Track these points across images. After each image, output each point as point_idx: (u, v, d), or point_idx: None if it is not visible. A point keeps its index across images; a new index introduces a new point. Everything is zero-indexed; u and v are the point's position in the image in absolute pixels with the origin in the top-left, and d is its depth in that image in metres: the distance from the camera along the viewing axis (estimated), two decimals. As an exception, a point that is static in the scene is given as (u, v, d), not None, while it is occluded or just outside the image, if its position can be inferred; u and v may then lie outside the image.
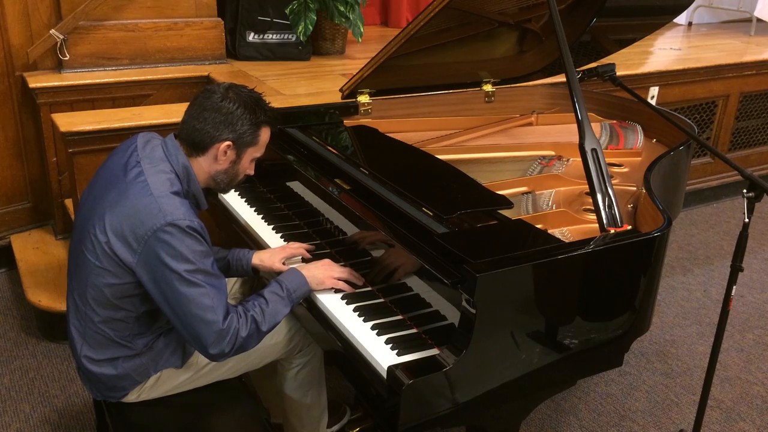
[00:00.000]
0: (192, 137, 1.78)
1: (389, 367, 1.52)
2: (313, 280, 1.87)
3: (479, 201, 1.88)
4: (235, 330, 1.72)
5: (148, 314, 1.79)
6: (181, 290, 1.65)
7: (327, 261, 1.94)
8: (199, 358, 1.90)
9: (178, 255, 1.64)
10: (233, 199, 2.45)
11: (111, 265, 1.70)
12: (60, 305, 2.83)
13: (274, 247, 2.09)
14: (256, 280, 2.20)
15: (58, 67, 3.29)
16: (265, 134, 1.85)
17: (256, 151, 1.85)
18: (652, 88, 3.96)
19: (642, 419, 2.64)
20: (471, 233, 1.74)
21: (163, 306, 1.70)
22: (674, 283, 3.62)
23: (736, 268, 2.03)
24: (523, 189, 2.20)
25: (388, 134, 2.40)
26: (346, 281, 1.89)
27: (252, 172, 1.90)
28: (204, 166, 1.81)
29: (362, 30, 3.89)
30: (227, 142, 1.77)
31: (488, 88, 2.83)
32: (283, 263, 2.00)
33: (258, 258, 2.04)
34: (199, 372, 1.92)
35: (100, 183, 1.79)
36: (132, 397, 1.86)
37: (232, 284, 2.23)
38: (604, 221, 1.73)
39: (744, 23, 5.65)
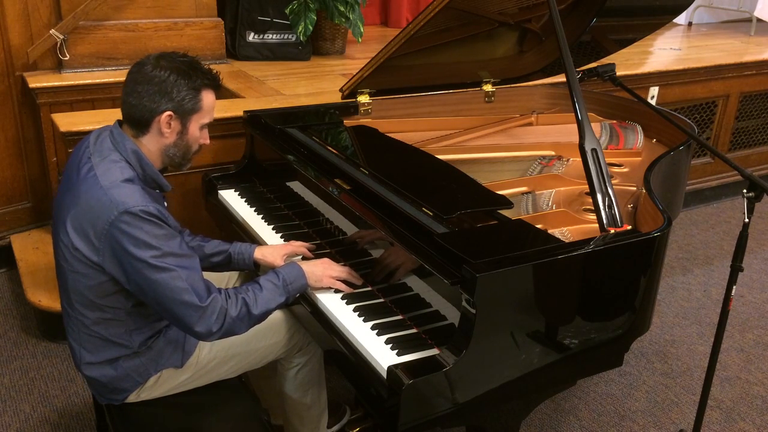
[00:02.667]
0: (132, 115, 1.72)
1: (389, 367, 1.52)
2: (311, 275, 1.87)
3: (479, 201, 1.88)
4: (222, 309, 1.71)
5: (138, 308, 1.77)
6: (152, 277, 1.63)
7: (327, 260, 1.94)
8: (199, 358, 1.90)
9: (140, 243, 1.61)
10: (233, 199, 2.45)
11: (82, 267, 1.69)
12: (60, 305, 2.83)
13: (274, 246, 2.09)
14: (257, 276, 2.19)
15: (58, 67, 3.29)
16: (207, 98, 1.77)
17: (202, 117, 1.77)
18: (652, 88, 3.96)
19: (642, 419, 2.64)
20: (471, 233, 1.74)
21: (140, 296, 1.69)
22: (674, 283, 3.62)
23: (736, 268, 2.02)
24: (523, 189, 2.20)
25: (388, 134, 2.40)
26: (345, 281, 1.89)
27: (207, 141, 1.84)
28: (152, 145, 1.75)
29: (362, 30, 3.90)
30: (167, 113, 1.70)
31: (488, 88, 2.83)
32: (285, 261, 2.00)
33: (260, 252, 2.04)
34: (199, 372, 1.91)
35: (61, 188, 1.77)
36: (132, 397, 1.86)
37: (234, 279, 2.23)
38: (604, 221, 1.73)
39: (744, 23, 5.65)
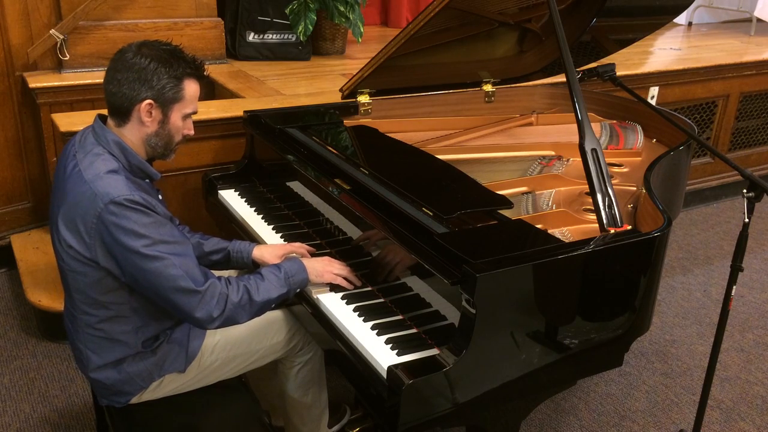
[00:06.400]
0: (112, 104, 1.70)
1: (389, 367, 1.52)
2: (312, 271, 1.87)
3: (479, 201, 1.88)
4: (223, 294, 1.70)
5: (143, 304, 1.76)
6: (145, 267, 1.62)
7: (328, 258, 1.95)
8: (201, 360, 1.89)
9: (129, 232, 1.60)
10: (233, 199, 2.45)
11: (78, 266, 1.68)
12: (60, 305, 2.83)
13: (274, 246, 2.09)
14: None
15: (58, 67, 3.29)
16: (190, 87, 1.73)
17: (184, 107, 1.73)
18: (652, 88, 3.96)
19: (642, 419, 2.64)
20: (471, 233, 1.74)
21: (137, 288, 1.69)
22: (674, 283, 3.62)
23: (736, 268, 2.03)
24: (523, 189, 2.20)
25: (388, 134, 2.40)
26: (346, 279, 1.89)
27: (191, 132, 1.80)
28: (134, 135, 1.72)
29: (362, 30, 3.90)
30: (147, 101, 1.67)
31: (488, 88, 2.83)
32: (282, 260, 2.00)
33: (259, 251, 2.04)
34: (201, 373, 1.91)
35: (52, 189, 1.77)
36: (134, 399, 1.86)
37: (235, 276, 2.23)
38: (604, 221, 1.73)
39: (744, 23, 5.65)
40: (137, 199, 1.62)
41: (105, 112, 1.77)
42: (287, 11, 3.69)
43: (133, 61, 1.67)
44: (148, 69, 1.66)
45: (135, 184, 1.68)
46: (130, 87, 1.66)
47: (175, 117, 1.74)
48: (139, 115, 1.69)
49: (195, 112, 1.79)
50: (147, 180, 1.78)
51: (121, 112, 1.70)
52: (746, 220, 1.96)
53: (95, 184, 1.62)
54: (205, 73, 1.79)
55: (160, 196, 1.84)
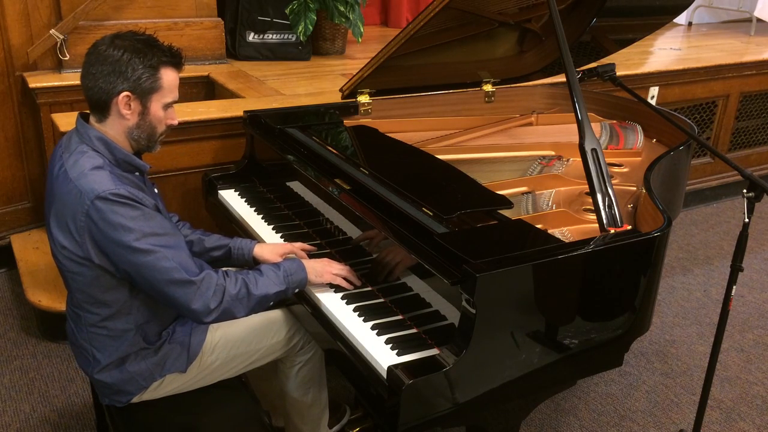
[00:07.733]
0: (90, 99, 1.68)
1: (389, 367, 1.52)
2: (311, 270, 1.87)
3: (479, 201, 1.88)
4: (220, 286, 1.69)
5: (143, 299, 1.76)
6: (137, 262, 1.62)
7: (327, 258, 1.95)
8: (202, 360, 1.89)
9: (117, 226, 1.59)
10: (233, 199, 2.45)
11: (74, 266, 1.68)
12: (60, 305, 2.83)
13: (274, 246, 2.09)
14: None
15: (58, 67, 3.29)
16: (167, 75, 1.69)
17: (163, 97, 1.70)
18: (652, 88, 3.96)
19: (642, 419, 2.64)
20: (471, 233, 1.74)
21: (134, 283, 1.68)
22: (674, 283, 3.62)
23: (736, 268, 2.03)
24: (523, 189, 2.20)
25: (388, 134, 2.40)
26: (345, 279, 1.89)
27: (175, 122, 1.77)
28: (116, 129, 1.69)
29: (362, 30, 3.90)
30: (124, 93, 1.64)
31: (488, 88, 2.83)
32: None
33: (259, 249, 2.04)
34: (202, 373, 1.91)
35: (45, 194, 1.76)
36: (134, 399, 1.86)
37: None
38: (604, 221, 1.73)
39: (744, 23, 5.65)
40: (123, 193, 1.61)
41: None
42: (287, 11, 3.70)
43: (106, 53, 1.64)
44: (122, 60, 1.64)
45: (122, 178, 1.67)
46: (105, 80, 1.64)
47: (155, 107, 1.71)
48: (118, 108, 1.67)
49: (176, 101, 1.76)
50: (137, 173, 1.77)
51: (100, 107, 1.68)
52: (746, 220, 1.96)
53: (80, 181, 1.61)
54: (182, 61, 1.76)
55: (156, 190, 1.83)
